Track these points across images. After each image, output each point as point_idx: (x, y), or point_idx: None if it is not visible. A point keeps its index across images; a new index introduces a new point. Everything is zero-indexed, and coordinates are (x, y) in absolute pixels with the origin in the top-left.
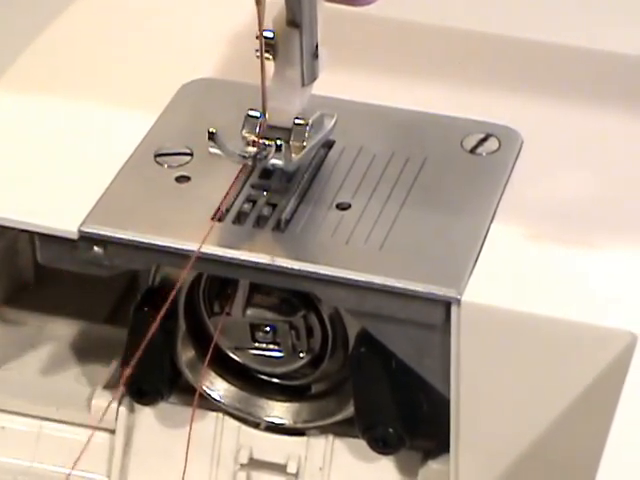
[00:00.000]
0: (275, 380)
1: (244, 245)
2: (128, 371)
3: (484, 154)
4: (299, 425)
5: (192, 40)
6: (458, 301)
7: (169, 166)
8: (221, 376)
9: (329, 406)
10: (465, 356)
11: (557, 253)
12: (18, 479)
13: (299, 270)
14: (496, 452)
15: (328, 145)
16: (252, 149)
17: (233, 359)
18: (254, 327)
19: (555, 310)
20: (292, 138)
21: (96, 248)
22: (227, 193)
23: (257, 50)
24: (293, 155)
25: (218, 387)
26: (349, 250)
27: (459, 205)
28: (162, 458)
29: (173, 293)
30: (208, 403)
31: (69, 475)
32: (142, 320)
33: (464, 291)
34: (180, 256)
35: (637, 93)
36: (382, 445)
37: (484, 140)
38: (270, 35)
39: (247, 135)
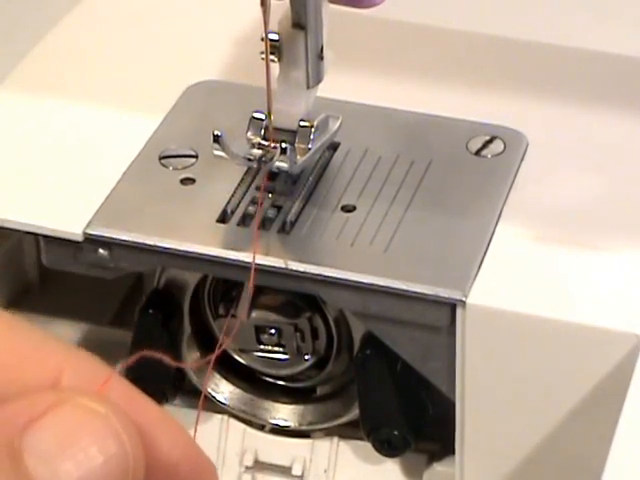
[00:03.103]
0: (280, 382)
1: (249, 247)
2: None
3: (489, 156)
4: (304, 427)
5: (197, 42)
6: (463, 303)
7: (174, 168)
8: (226, 378)
9: (334, 408)
10: (470, 358)
11: (563, 255)
12: None
13: (304, 272)
14: (502, 455)
15: (333, 147)
16: (257, 151)
17: (238, 361)
18: (259, 329)
19: (561, 312)
20: (297, 140)
21: (101, 250)
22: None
23: (262, 52)
24: (298, 157)
25: (223, 389)
26: (354, 252)
27: (464, 207)
28: None
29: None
30: (213, 405)
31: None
32: (147, 322)
33: (469, 293)
34: (185, 258)
35: None
36: (387, 447)
37: (489, 142)
38: (275, 37)
39: (252, 137)
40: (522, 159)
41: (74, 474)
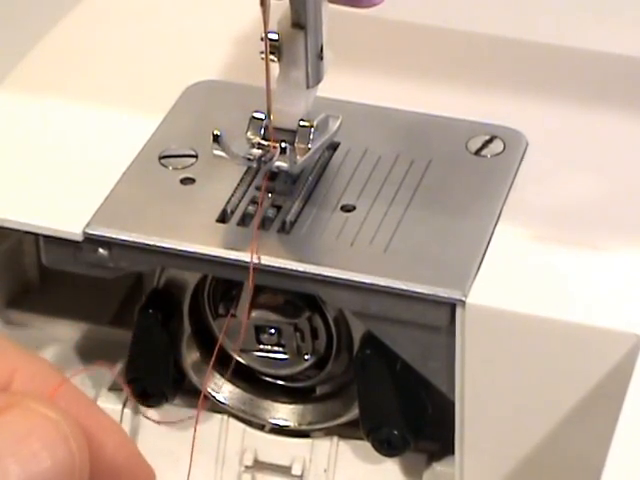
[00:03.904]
0: (280, 382)
1: (249, 247)
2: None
3: (489, 156)
4: (304, 427)
5: (197, 42)
6: (463, 303)
7: (174, 168)
8: (226, 378)
9: (334, 408)
10: (470, 358)
11: (562, 255)
12: None
13: (304, 272)
14: (501, 455)
15: (333, 147)
16: (257, 151)
17: (238, 361)
18: (259, 329)
19: (560, 312)
20: (297, 140)
21: (101, 250)
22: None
23: (262, 52)
24: (298, 157)
25: (223, 389)
26: (354, 252)
27: (464, 207)
28: (167, 460)
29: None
30: (213, 405)
31: None
32: (147, 322)
33: (469, 293)
34: (185, 258)
35: None
36: (387, 447)
37: (489, 142)
38: (275, 37)
39: (252, 137)
40: (522, 159)
41: (21, 475)
